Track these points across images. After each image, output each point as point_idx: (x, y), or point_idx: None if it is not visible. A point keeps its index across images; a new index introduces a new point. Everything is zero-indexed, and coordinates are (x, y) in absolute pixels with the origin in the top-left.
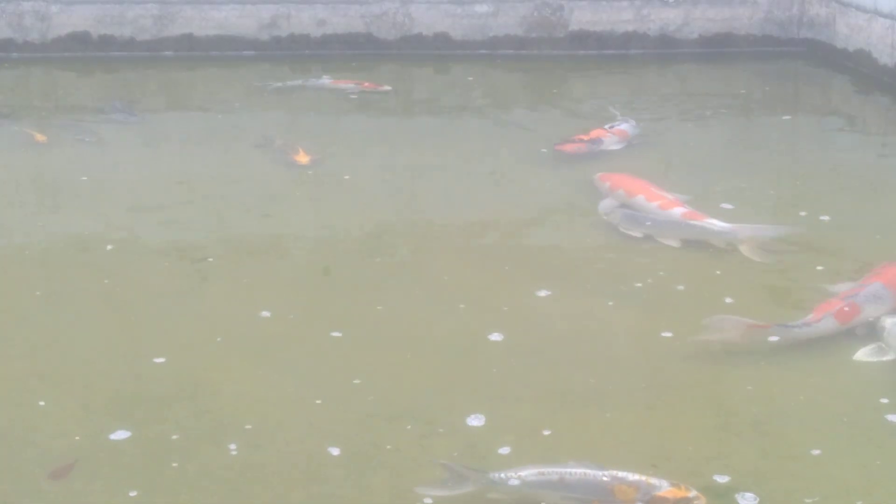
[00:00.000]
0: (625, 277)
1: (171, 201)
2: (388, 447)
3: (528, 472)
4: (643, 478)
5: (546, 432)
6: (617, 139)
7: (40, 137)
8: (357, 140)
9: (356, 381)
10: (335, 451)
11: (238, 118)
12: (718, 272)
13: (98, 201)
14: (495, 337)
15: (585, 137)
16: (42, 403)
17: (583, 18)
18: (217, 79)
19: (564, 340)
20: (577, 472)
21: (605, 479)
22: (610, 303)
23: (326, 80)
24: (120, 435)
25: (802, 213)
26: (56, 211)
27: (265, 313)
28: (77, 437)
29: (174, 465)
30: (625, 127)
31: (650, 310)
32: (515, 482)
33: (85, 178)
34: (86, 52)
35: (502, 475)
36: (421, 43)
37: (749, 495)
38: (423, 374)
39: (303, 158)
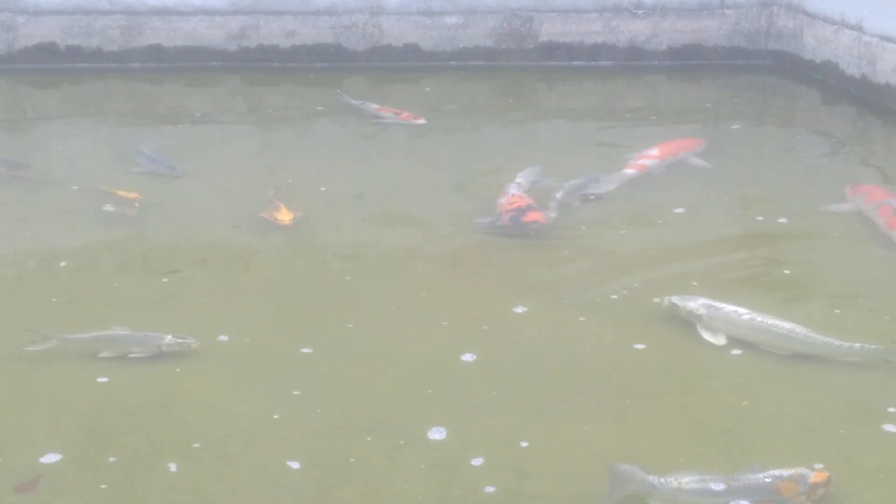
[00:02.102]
0: (600, 290)
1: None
2: (352, 460)
3: (690, 479)
4: (794, 470)
5: (523, 444)
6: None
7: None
8: (328, 153)
9: (325, 396)
10: (295, 465)
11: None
12: (695, 283)
13: (66, 213)
14: (468, 355)
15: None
16: (9, 417)
17: (552, 30)
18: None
19: (539, 355)
20: (739, 476)
21: (767, 479)
22: (582, 318)
23: (372, 106)
24: (86, 448)
25: (759, 218)
26: (25, 222)
27: (229, 331)
28: (44, 451)
29: (142, 479)
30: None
31: (623, 322)
32: (677, 489)
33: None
34: (53, 63)
35: (662, 480)
36: (390, 54)
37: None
38: (398, 388)
39: (285, 217)
